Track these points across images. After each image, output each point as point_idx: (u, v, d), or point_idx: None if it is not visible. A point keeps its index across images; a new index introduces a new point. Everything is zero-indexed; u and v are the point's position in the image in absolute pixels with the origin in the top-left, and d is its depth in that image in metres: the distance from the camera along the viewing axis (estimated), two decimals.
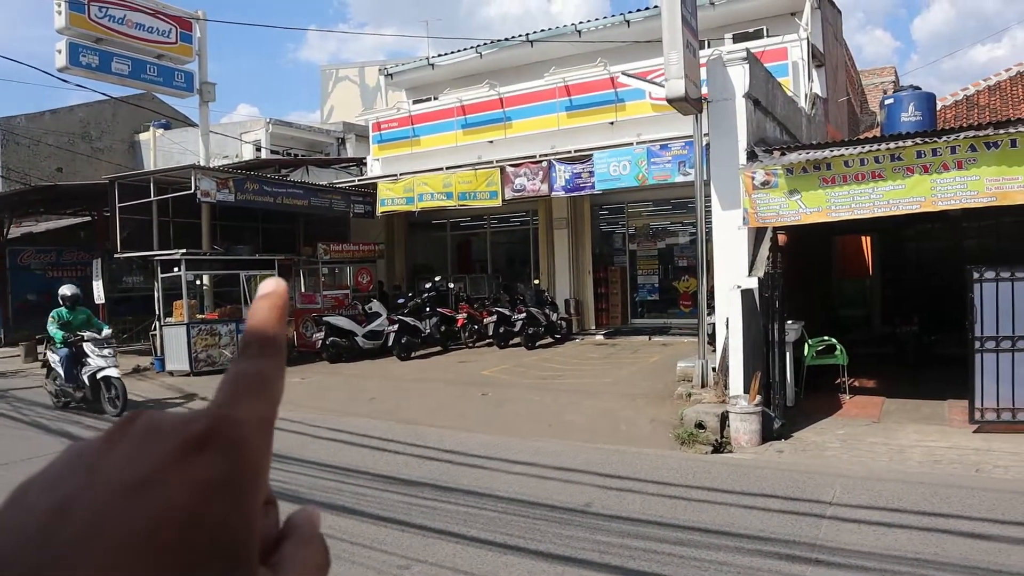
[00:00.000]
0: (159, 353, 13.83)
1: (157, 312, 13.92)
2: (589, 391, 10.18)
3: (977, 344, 7.92)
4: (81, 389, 10.05)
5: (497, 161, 14.04)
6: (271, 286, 0.45)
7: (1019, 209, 8.28)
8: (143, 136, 24.74)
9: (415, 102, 17.99)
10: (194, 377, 12.84)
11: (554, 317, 14.46)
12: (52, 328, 10.05)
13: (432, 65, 18.65)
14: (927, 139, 7.98)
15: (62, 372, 10.05)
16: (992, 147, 7.51)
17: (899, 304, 14.15)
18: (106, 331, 10.34)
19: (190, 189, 12.96)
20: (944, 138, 7.85)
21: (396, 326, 13.65)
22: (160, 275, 13.65)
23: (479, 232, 18.57)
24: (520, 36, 17.17)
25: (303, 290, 15.93)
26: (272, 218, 17.18)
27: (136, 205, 13.79)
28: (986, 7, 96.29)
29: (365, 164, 18.50)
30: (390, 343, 13.67)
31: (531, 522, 5.58)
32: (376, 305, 14.77)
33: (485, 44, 17.75)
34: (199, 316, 13.82)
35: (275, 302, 0.44)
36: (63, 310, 10.17)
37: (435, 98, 17.32)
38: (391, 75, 19.68)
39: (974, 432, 7.91)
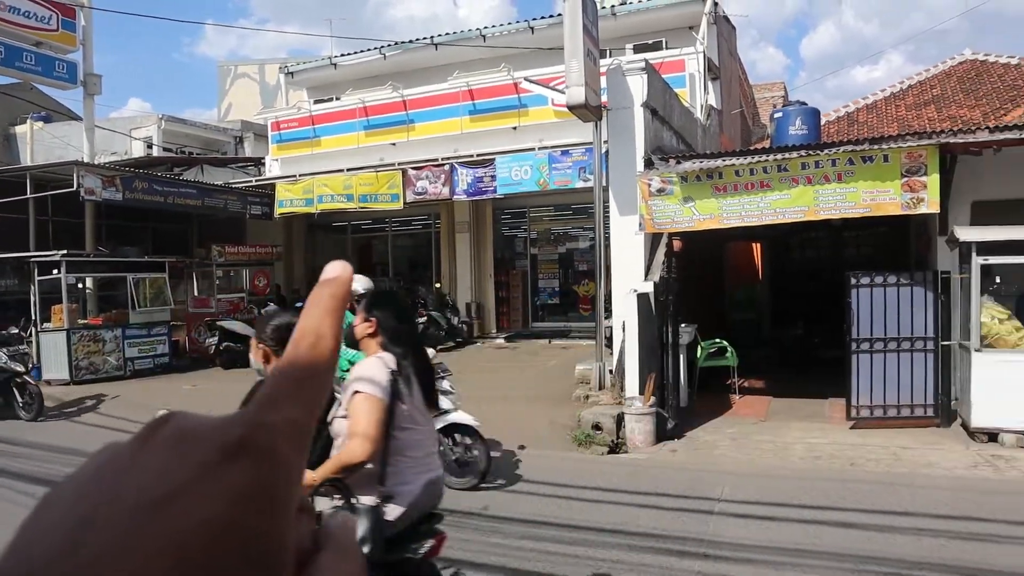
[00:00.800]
0: (35, 361, 12.99)
1: (33, 317, 13.09)
2: (489, 394, 10.19)
3: (853, 346, 8.41)
4: None
5: (399, 164, 13.93)
6: (336, 270, 0.41)
7: (892, 220, 8.84)
8: (19, 129, 23.17)
9: (316, 102, 17.64)
10: (75, 386, 12.13)
11: (455, 321, 14.43)
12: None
13: (335, 65, 18.32)
14: (811, 152, 8.40)
15: None
16: (868, 161, 7.98)
17: (786, 308, 14.85)
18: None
19: (72, 186, 12.26)
20: (826, 151, 8.29)
21: None
22: (37, 278, 12.84)
23: (380, 235, 18.34)
24: (425, 39, 17.09)
25: (196, 293, 15.33)
26: (164, 218, 16.47)
27: (11, 203, 12.94)
28: (866, 32, 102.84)
29: (263, 164, 17.98)
30: None
31: None
32: (273, 309, 14.36)
33: (389, 45, 17.56)
34: (81, 321, 13.07)
35: (337, 290, 0.40)
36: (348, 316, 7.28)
37: (337, 98, 17.02)
38: (292, 74, 19.21)
39: (851, 428, 8.38)
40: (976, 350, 7.75)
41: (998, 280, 8.11)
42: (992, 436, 7.68)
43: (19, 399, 9.88)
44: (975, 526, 5.37)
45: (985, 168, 8.62)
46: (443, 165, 13.28)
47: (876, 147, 8.00)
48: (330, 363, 0.38)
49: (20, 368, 9.92)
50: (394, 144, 15.16)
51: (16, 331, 10.73)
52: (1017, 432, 7.55)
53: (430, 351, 6.46)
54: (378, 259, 18.70)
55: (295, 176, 15.10)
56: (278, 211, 15.15)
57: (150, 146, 21.51)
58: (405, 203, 13.73)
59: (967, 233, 7.93)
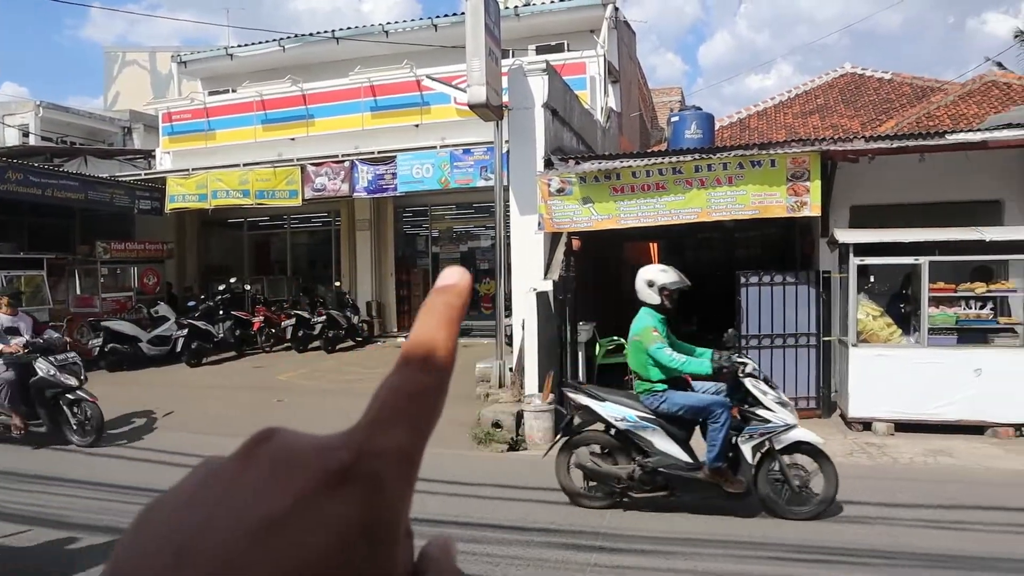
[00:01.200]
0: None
1: None
2: None
3: (743, 342, 8.77)
4: (740, 489, 5.46)
5: (298, 159, 13.61)
6: (453, 277, 0.37)
7: (780, 221, 9.27)
8: None
9: (211, 93, 17.00)
10: None
11: (355, 320, 14.22)
12: (667, 353, 5.41)
13: (231, 55, 17.71)
14: (704, 155, 8.72)
15: (695, 453, 5.57)
16: (756, 166, 8.35)
17: (681, 306, 15.31)
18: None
19: None
20: (718, 155, 8.62)
21: (185, 331, 12.81)
22: None
23: (278, 232, 17.84)
24: (326, 32, 16.77)
25: (79, 292, 14.51)
26: (42, 212, 15.49)
27: None
28: (758, 43, 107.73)
29: (154, 157, 17.18)
30: (179, 349, 12.81)
31: None
32: (163, 308, 13.75)
33: (289, 38, 17.13)
34: None
35: (453, 300, 0.36)
36: (656, 313, 5.78)
37: (233, 90, 16.46)
38: (185, 63, 18.44)
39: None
40: (853, 345, 8.23)
41: (872, 279, 8.64)
42: (867, 425, 8.19)
43: (71, 420, 7.98)
44: (851, 509, 5.70)
45: (862, 174, 9.16)
46: (343, 162, 13.05)
47: (764, 152, 8.38)
48: (444, 380, 0.35)
49: (72, 382, 8.01)
50: (293, 139, 14.79)
51: (59, 335, 8.88)
52: (888, 421, 8.08)
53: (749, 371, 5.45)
54: (276, 257, 18.21)
55: (188, 170, 14.52)
56: (169, 206, 14.52)
57: (26, 135, 20.23)
58: (304, 200, 13.41)
59: (845, 235, 8.41)
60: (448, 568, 0.38)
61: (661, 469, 5.54)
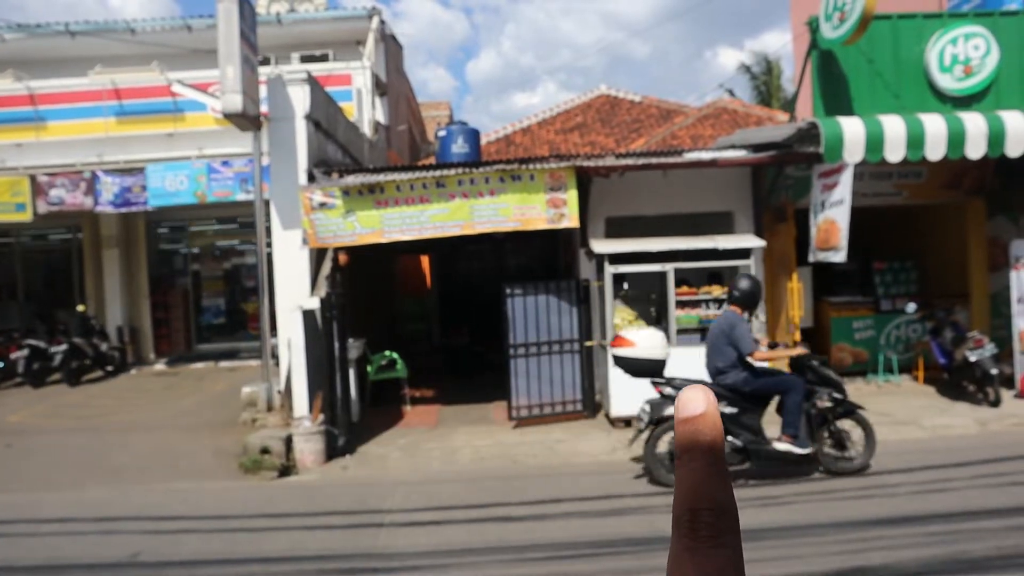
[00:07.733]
0: None
1: None
2: (145, 427, 9.25)
3: (511, 351, 9.05)
4: None
5: (26, 168, 12.07)
6: (698, 405, 0.31)
7: (545, 233, 9.67)
8: None
9: None
10: None
11: (104, 347, 12.86)
12: None
13: None
14: (467, 169, 8.89)
15: None
16: (517, 179, 8.65)
17: (454, 318, 15.57)
18: None
19: None
20: (480, 169, 8.83)
21: None
22: None
23: (5, 250, 15.71)
24: (59, 24, 15.07)
25: None
26: None
27: None
28: (523, 62, 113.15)
29: None
30: None
31: None
32: None
33: (11, 27, 15.18)
34: None
35: (711, 437, 0.31)
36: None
37: None
38: None
39: (513, 428, 9.00)
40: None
41: (626, 286, 9.29)
42: (628, 422, 8.76)
43: None
44: (612, 503, 6.06)
45: (616, 188, 9.84)
46: (83, 172, 11.78)
47: (524, 167, 8.71)
48: (740, 549, 0.29)
49: None
50: (19, 145, 13.08)
51: None
52: None
53: None
54: (3, 279, 16.00)
55: None
56: None
57: None
58: (36, 214, 11.90)
59: (600, 245, 8.97)
60: None
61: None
